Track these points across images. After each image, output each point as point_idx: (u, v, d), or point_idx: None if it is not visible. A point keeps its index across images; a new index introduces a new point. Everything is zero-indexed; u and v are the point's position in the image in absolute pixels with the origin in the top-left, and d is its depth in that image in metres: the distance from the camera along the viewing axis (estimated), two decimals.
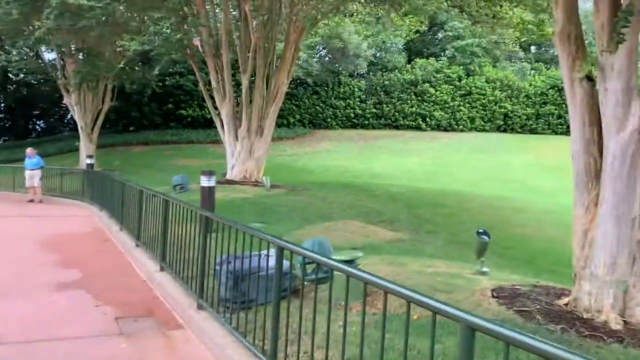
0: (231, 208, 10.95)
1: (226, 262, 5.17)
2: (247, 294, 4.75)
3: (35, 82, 43.54)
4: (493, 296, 5.04)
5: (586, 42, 5.03)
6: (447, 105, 34.79)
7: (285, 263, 5.81)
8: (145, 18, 14.05)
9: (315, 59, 31.99)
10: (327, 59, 34.24)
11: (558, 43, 4.91)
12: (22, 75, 44.05)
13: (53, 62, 22.98)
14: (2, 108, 44.74)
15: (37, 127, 47.88)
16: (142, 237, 7.93)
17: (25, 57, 19.70)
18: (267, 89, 14.73)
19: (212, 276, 5.29)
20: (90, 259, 7.83)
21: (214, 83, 14.44)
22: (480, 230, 6.20)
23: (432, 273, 5.92)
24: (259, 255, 5.12)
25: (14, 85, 43.62)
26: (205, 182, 8.78)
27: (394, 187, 17.44)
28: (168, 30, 12.18)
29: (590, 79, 4.75)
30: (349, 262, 5.18)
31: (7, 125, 44.79)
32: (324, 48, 31.68)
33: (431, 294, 5.31)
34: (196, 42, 12.54)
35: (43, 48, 21.93)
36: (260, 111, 14.41)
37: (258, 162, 14.57)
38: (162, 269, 6.67)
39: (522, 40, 16.27)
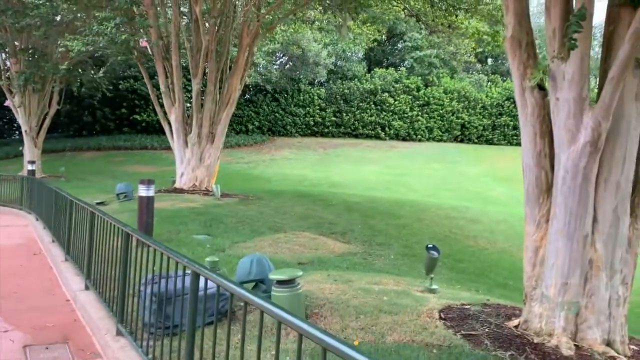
0: (176, 218, 10.39)
1: (151, 282, 4.65)
2: (172, 319, 4.27)
3: None
4: (440, 318, 4.72)
5: (539, 53, 4.80)
6: (405, 115, 34.97)
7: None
8: (90, 18, 13.34)
9: (275, 66, 31.60)
10: (287, 66, 33.92)
11: (509, 49, 4.66)
12: None
13: None
14: None
15: None
16: (72, 250, 7.31)
17: None
18: (219, 94, 14.22)
19: (136, 297, 4.77)
20: (12, 276, 7.14)
21: (162, 87, 13.83)
22: (430, 245, 5.90)
23: (379, 291, 5.56)
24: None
25: None
26: (143, 191, 8.22)
27: (351, 196, 17.15)
28: (113, 31, 11.52)
29: (541, 88, 4.50)
30: (288, 282, 4.77)
31: None
32: (283, 55, 31.31)
33: (376, 316, 4.97)
34: (144, 43, 11.94)
35: None
36: (211, 117, 13.88)
37: (209, 169, 14.01)
38: (87, 288, 6.10)
39: (478, 50, 16.33)
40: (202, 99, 14.14)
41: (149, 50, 13.93)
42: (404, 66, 35.96)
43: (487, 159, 31.41)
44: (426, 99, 35.46)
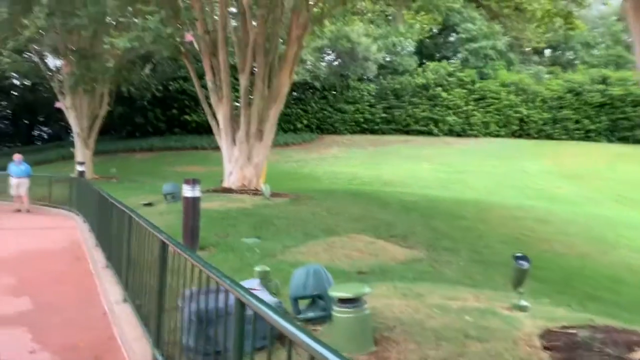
0: (224, 220, 9.78)
1: (191, 298, 3.94)
2: (215, 342, 3.55)
3: (40, 88, 42.93)
4: (544, 347, 3.79)
5: None
6: (460, 110, 33.49)
7: (272, 299, 4.62)
8: (136, 13, 12.98)
9: (323, 62, 30.86)
10: (335, 62, 33.12)
11: (631, 12, 3.69)
12: (27, 82, 43.51)
13: (47, 63, 22.01)
14: (5, 114, 44.11)
15: (43, 133, 47.28)
16: (112, 256, 6.77)
17: (16, 60, 18.71)
18: (268, 89, 13.58)
19: (175, 312, 4.08)
20: (51, 283, 6.66)
21: (209, 84, 13.31)
22: (518, 255, 4.94)
23: (459, 309, 4.66)
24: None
25: (18, 91, 43.00)
26: (188, 191, 7.61)
27: (406, 195, 16.18)
28: (158, 25, 11.05)
29: None
30: (353, 302, 3.96)
31: (10, 131, 44.13)
32: (332, 51, 30.53)
33: (461, 342, 4.09)
34: (189, 37, 11.43)
35: (37, 50, 20.97)
36: (260, 114, 13.26)
37: (257, 168, 13.39)
38: (124, 300, 5.49)
39: (546, 36, 14.96)
40: (250, 96, 13.54)
41: (195, 45, 13.44)
42: (457, 59, 34.46)
43: (549, 154, 29.56)
44: (482, 92, 33.84)
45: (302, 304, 4.63)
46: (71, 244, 9.64)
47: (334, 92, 32.68)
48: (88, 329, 5.09)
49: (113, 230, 6.85)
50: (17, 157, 15.45)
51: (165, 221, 10.07)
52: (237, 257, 6.99)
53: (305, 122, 32.69)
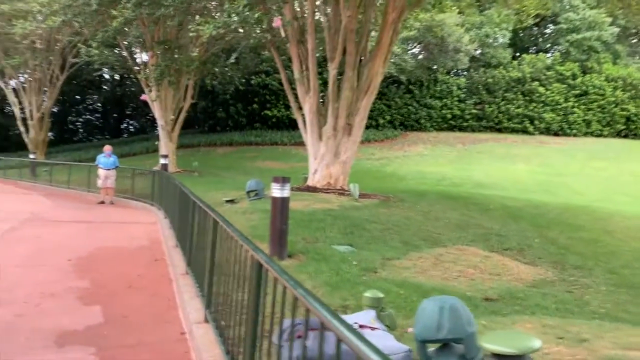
0: (311, 222, 8.80)
1: (291, 332, 2.89)
2: None
3: (128, 82, 44.48)
4: None
5: None
6: (558, 107, 30.76)
7: (400, 347, 3.51)
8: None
9: (409, 55, 29.30)
10: (420, 55, 31.40)
11: None
12: (116, 76, 45.23)
13: (134, 57, 22.20)
14: (96, 107, 46.08)
15: (130, 126, 49.07)
16: (193, 262, 5.95)
17: (105, 52, 18.84)
18: (358, 80, 12.49)
19: (268, 339, 3.08)
20: (126, 290, 5.94)
21: (296, 73, 12.42)
22: None
23: None
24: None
25: (108, 85, 44.79)
26: (277, 191, 6.67)
27: (507, 200, 14.55)
28: (245, 10, 10.28)
29: None
30: (515, 359, 2.78)
31: (99, 124, 46.06)
32: (419, 43, 28.92)
33: None
34: (277, 22, 10.57)
35: (125, 44, 21.13)
36: (349, 106, 12.19)
37: (345, 166, 12.34)
38: (206, 320, 4.60)
39: None
40: (337, 87, 12.51)
41: (281, 32, 12.58)
42: (556, 51, 31.69)
43: None
44: (584, 88, 30.91)
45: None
46: (150, 242, 9.05)
47: (420, 87, 31.01)
48: (162, 354, 4.24)
49: (195, 232, 6.03)
50: (107, 148, 15.37)
51: (249, 221, 9.27)
52: (331, 269, 5.96)
53: (387, 117, 31.30)
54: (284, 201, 6.69)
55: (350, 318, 3.53)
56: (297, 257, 6.66)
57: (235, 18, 10.55)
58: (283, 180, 6.72)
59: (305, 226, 8.49)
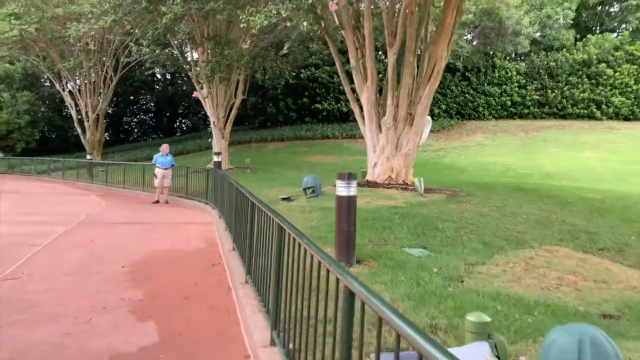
0: (377, 221, 8.08)
1: None
2: None
3: (179, 82, 44.96)
4: None
5: None
6: (628, 89, 28.66)
7: None
8: None
9: (465, 40, 27.92)
10: (475, 41, 29.92)
11: None
12: (168, 75, 45.81)
13: (185, 55, 22.04)
14: (149, 107, 46.84)
15: (182, 125, 49.69)
16: (254, 271, 5.36)
17: (156, 50, 18.69)
18: (419, 66, 11.64)
19: None
20: (182, 301, 5.42)
21: (352, 62, 11.68)
22: None
23: None
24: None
25: (160, 85, 45.39)
26: (342, 189, 5.98)
27: (584, 191, 13.33)
28: None
29: None
30: None
31: (152, 123, 46.79)
32: (475, 27, 27.50)
33: None
34: (333, 7, 9.87)
35: (175, 43, 20.96)
36: (410, 94, 11.36)
37: (407, 159, 11.53)
38: (272, 343, 3.97)
39: None
40: (397, 74, 11.70)
41: (335, 20, 11.88)
42: (624, 29, 29.50)
43: None
44: None
45: None
46: (206, 245, 8.57)
47: (478, 73, 29.57)
48: None
49: (254, 236, 5.44)
50: (164, 147, 15.12)
51: (309, 221, 8.65)
52: (409, 278, 5.22)
53: (443, 107, 30.05)
54: (350, 200, 6.00)
55: (458, 352, 2.79)
56: (367, 263, 5.96)
57: (288, 5, 9.90)
58: (349, 177, 6.03)
59: (370, 226, 7.78)
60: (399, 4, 11.21)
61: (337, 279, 2.62)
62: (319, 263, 3.06)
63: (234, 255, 6.92)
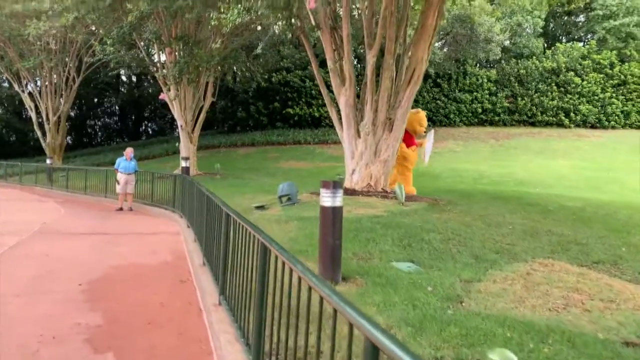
0: (359, 232, 7.57)
1: None
2: None
3: (146, 84, 43.71)
4: None
5: None
6: (595, 98, 29.11)
7: None
8: None
9: (437, 46, 27.85)
10: (446, 48, 29.87)
11: None
12: (133, 78, 44.50)
13: (151, 56, 21.20)
14: (114, 110, 45.37)
15: (148, 129, 48.35)
16: (229, 292, 4.76)
17: (120, 50, 17.82)
18: (397, 69, 11.23)
19: None
20: (146, 327, 4.77)
21: (330, 63, 11.18)
22: None
23: None
24: None
25: (126, 87, 44.03)
26: (327, 199, 5.44)
27: (561, 198, 13.15)
28: None
29: None
30: None
31: (117, 127, 45.35)
32: (447, 34, 27.45)
33: None
34: (312, 3, 9.35)
35: (142, 43, 20.09)
36: (389, 99, 10.93)
37: (386, 165, 11.08)
38: None
39: None
40: (376, 77, 11.26)
41: (312, 19, 11.38)
42: (592, 39, 29.98)
43: None
44: (622, 77, 29.20)
45: None
46: (174, 258, 7.90)
47: (449, 80, 29.54)
48: None
49: (229, 252, 4.85)
50: (128, 151, 14.25)
51: (286, 232, 8.07)
52: (403, 298, 4.71)
53: None
54: (336, 211, 5.47)
55: None
56: (354, 281, 5.43)
57: (263, 1, 9.35)
58: (334, 185, 5.49)
59: (353, 238, 7.26)
60: (378, 5, 10.77)
61: (335, 310, 2.11)
62: (310, 288, 2.54)
63: (205, 271, 6.30)
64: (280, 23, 11.24)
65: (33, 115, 28.38)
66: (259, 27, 24.00)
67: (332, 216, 5.45)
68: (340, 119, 11.58)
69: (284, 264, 2.99)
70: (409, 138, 11.85)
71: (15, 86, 28.39)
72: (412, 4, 11.82)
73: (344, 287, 5.21)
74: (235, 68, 21.78)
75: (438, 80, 29.57)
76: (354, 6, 11.93)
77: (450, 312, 4.40)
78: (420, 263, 6.22)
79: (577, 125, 29.18)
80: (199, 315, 5.18)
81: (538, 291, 5.09)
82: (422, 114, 12.23)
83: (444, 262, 6.26)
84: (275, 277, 3.19)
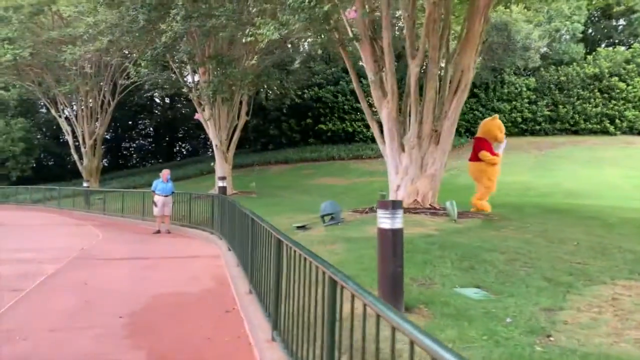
0: (414, 255, 6.99)
1: None
2: None
3: (179, 105, 44.19)
4: None
5: None
6: None
7: None
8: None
9: None
10: (482, 56, 29.08)
11: None
12: (167, 100, 45.07)
13: (184, 77, 21.18)
14: (148, 132, 45.94)
15: (182, 149, 48.77)
16: (282, 325, 4.28)
17: (154, 72, 17.82)
18: (442, 78, 10.70)
19: None
20: None
21: (370, 75, 10.73)
22: None
23: None
24: None
25: (159, 109, 44.58)
26: (386, 220, 4.91)
27: (620, 210, 12.32)
28: (312, 3, 8.73)
29: None
30: None
31: (151, 148, 45.83)
32: (483, 42, 26.69)
33: None
34: (352, 13, 8.93)
35: (175, 64, 20.10)
36: (435, 109, 10.39)
37: (434, 180, 10.50)
38: None
39: None
40: (420, 88, 10.75)
41: (349, 31, 10.97)
42: (635, 42, 28.79)
43: None
44: None
45: None
46: (217, 284, 7.48)
47: (486, 89, 28.73)
48: None
49: (282, 282, 4.38)
50: (165, 173, 13.97)
51: (333, 254, 7.54)
52: (481, 333, 4.14)
53: None
54: (396, 234, 4.93)
55: None
56: (419, 311, 4.88)
57: (301, 15, 8.99)
58: (393, 205, 4.97)
59: (407, 260, 6.63)
60: (419, 13, 10.30)
61: None
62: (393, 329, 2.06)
63: (253, 301, 5.84)
64: (309, 40, 10.82)
65: (70, 139, 28.81)
66: (289, 45, 23.84)
67: (393, 239, 4.91)
68: (382, 132, 11.09)
69: (353, 297, 2.50)
70: (489, 147, 11.07)
71: (53, 111, 28.91)
72: (453, 12, 11.30)
73: (410, 319, 4.66)
74: (267, 85, 21.56)
75: (475, 90, 28.79)
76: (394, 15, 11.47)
77: (539, 348, 3.81)
78: (488, 288, 5.62)
79: (624, 132, 27.91)
80: (249, 350, 4.71)
81: (634, 320, 4.44)
82: (499, 120, 11.46)
83: (514, 286, 5.64)
84: (352, 320, 2.70)
